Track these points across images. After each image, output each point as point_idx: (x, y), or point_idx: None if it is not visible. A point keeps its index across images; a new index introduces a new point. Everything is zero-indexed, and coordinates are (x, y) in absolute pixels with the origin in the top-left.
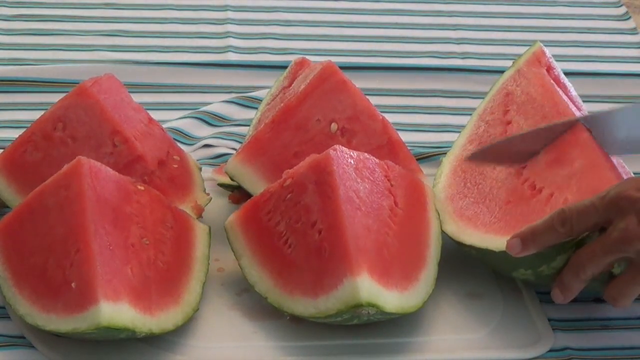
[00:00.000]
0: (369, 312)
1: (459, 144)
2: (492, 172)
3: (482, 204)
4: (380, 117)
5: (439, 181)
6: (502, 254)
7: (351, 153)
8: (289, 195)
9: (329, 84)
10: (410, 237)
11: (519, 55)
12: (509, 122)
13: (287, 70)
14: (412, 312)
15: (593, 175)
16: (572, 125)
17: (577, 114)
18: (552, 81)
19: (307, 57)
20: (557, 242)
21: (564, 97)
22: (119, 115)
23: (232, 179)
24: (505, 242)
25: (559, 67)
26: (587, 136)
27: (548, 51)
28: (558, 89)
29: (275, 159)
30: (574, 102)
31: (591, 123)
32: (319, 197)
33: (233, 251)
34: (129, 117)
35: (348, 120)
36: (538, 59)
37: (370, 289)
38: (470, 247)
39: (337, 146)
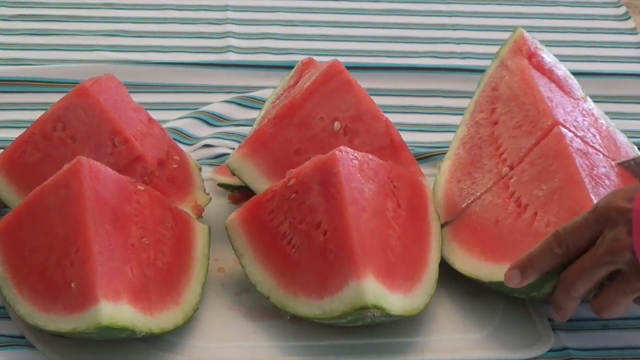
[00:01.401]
0: (373, 314)
1: (453, 147)
2: (482, 180)
3: (473, 221)
4: (384, 118)
5: (437, 189)
6: (494, 284)
7: (356, 154)
8: (292, 195)
9: (334, 82)
10: (413, 239)
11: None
12: (495, 122)
13: (294, 70)
14: (416, 314)
15: (571, 194)
16: (552, 128)
17: (555, 110)
18: (533, 72)
19: (310, 57)
20: (555, 265)
21: (545, 88)
22: (118, 115)
23: (233, 173)
24: (494, 272)
25: (543, 49)
26: (564, 144)
27: (529, 36)
28: (539, 80)
29: (277, 154)
30: (561, 85)
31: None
32: (324, 198)
33: (234, 249)
34: (128, 117)
35: (351, 120)
36: (519, 48)
37: (376, 291)
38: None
39: (342, 147)
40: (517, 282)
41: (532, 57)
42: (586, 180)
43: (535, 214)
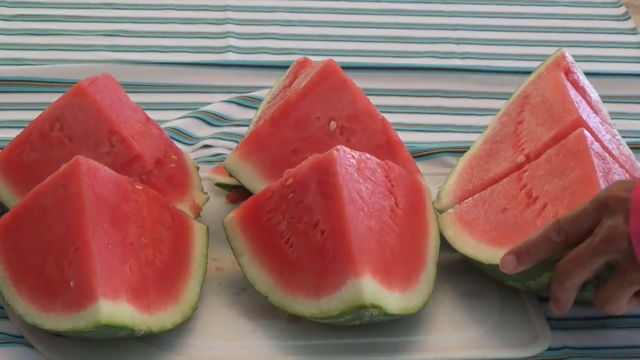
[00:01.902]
0: (372, 314)
1: (477, 144)
2: (497, 167)
3: (481, 208)
4: (380, 117)
5: (450, 177)
6: (492, 267)
7: (353, 153)
8: (290, 195)
9: (330, 82)
10: (411, 238)
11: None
12: (520, 122)
13: (289, 69)
14: (413, 313)
15: (585, 191)
16: (574, 124)
17: (585, 113)
18: (566, 82)
19: (308, 57)
20: (552, 254)
21: (576, 98)
22: (116, 115)
23: (230, 174)
24: (495, 255)
25: (580, 71)
26: (585, 145)
27: (570, 56)
28: (571, 91)
29: (274, 155)
30: (592, 105)
31: None
32: (321, 197)
33: (232, 249)
34: (126, 116)
35: (347, 119)
36: (558, 63)
37: (374, 290)
38: (464, 255)
39: (339, 146)
40: (512, 268)
41: (569, 74)
42: (601, 180)
43: (545, 205)
